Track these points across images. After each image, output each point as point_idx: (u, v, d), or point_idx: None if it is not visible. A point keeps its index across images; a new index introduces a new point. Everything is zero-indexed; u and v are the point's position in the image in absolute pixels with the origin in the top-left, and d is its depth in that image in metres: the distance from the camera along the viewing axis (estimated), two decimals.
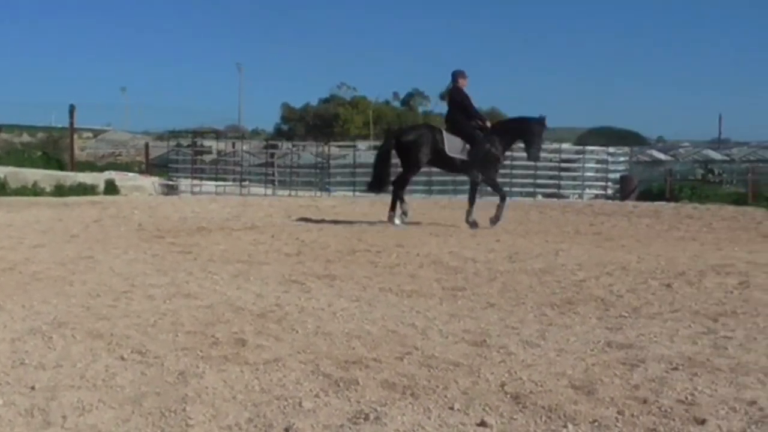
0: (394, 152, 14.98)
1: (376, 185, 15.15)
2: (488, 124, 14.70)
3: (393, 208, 14.75)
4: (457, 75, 14.75)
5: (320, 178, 30.18)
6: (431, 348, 5.59)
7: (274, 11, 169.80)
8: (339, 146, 36.33)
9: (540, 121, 14.69)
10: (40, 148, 44.44)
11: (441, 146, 14.45)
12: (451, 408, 4.36)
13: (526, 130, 14.62)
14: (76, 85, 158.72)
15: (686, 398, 4.50)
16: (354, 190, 27.58)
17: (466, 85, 14.80)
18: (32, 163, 30.34)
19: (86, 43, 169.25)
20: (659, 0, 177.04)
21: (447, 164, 15.08)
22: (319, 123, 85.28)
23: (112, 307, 6.89)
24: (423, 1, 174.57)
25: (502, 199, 14.88)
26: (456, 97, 14.77)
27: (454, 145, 14.45)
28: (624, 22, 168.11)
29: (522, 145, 15.12)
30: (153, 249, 10.90)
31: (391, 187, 15.15)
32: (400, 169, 15.21)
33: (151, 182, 28.04)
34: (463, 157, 14.48)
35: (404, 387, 4.70)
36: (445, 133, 14.55)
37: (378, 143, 40.61)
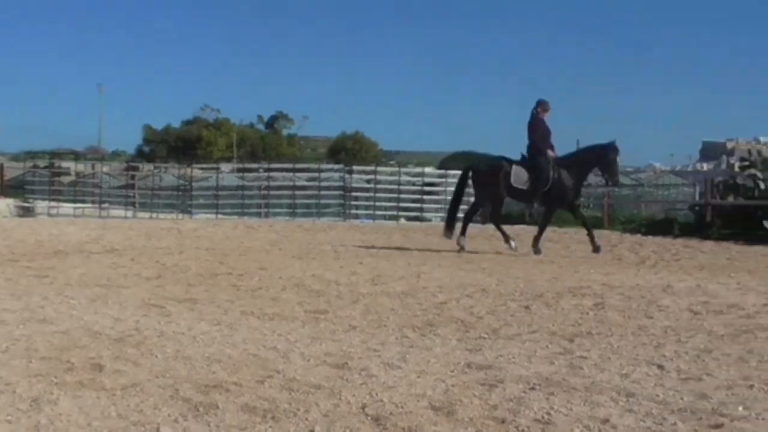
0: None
1: (450, 223, 15.77)
2: (551, 154, 14.84)
3: (463, 232, 15.28)
4: (538, 105, 15.02)
5: (182, 200, 29.78)
6: (292, 371, 5.57)
7: (136, 32, 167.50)
8: (202, 168, 36.00)
9: (612, 147, 15.01)
10: None
11: (509, 178, 14.89)
12: (312, 431, 4.35)
13: (602, 158, 15.03)
14: None
15: (542, 417, 4.60)
16: (217, 213, 27.29)
17: (547, 116, 15.05)
18: None
19: None
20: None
21: (515, 194, 15.55)
22: (181, 145, 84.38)
23: None
24: (287, 24, 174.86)
25: (585, 226, 15.38)
26: (534, 127, 14.95)
27: (519, 177, 14.86)
28: (470, 54, 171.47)
29: (600, 172, 15.79)
30: (6, 273, 10.56)
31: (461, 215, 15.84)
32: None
33: (5, 204, 27.22)
34: (525, 187, 14.88)
35: (265, 410, 4.66)
36: (513, 165, 14.96)
37: (241, 165, 40.39)
